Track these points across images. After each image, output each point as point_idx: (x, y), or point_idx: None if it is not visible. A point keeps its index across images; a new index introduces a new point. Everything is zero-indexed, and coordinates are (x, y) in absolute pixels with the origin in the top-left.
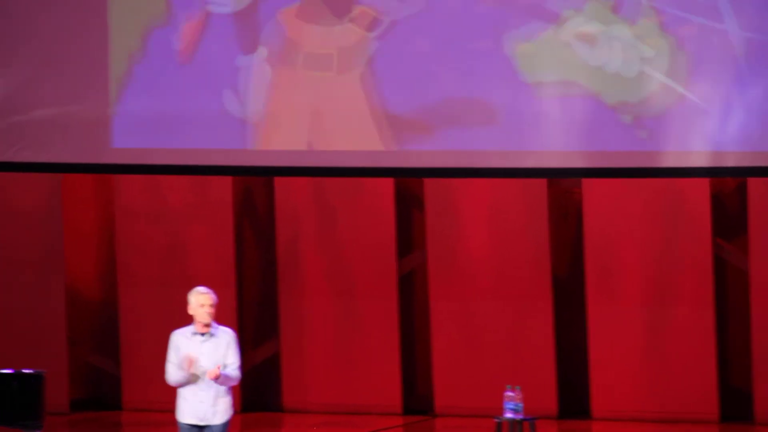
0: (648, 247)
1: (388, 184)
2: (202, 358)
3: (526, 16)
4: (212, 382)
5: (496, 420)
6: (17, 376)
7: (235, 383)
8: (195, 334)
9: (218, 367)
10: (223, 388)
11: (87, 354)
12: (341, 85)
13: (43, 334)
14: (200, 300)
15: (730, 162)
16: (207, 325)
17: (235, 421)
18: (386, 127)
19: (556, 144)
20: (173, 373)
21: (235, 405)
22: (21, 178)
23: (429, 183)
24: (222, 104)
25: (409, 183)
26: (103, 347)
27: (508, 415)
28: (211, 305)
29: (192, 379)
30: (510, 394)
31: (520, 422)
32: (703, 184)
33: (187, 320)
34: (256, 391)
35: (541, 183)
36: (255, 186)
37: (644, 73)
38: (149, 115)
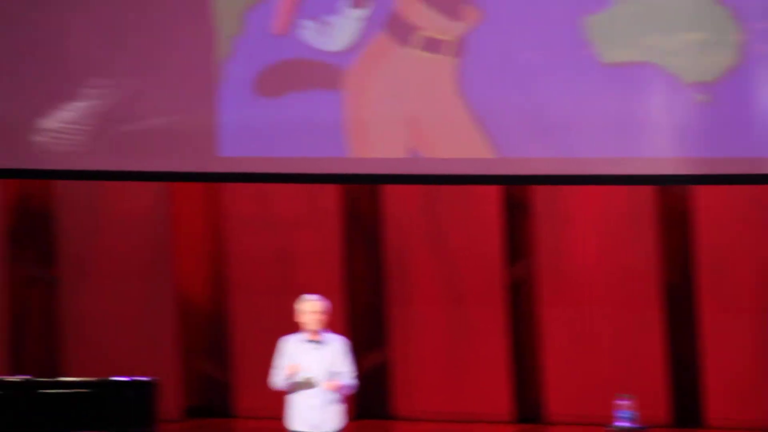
0: (761, 252)
1: (495, 191)
2: (312, 366)
3: None
4: (323, 393)
5: (609, 429)
6: (130, 384)
7: (351, 392)
8: (305, 341)
9: (338, 382)
10: (334, 396)
11: (198, 362)
12: (446, 90)
13: (154, 342)
14: (309, 307)
15: None
16: (317, 333)
17: (346, 429)
18: (493, 133)
19: (665, 150)
20: (279, 377)
21: (345, 412)
22: (130, 186)
23: (537, 190)
24: (327, 112)
25: (516, 190)
26: (214, 355)
27: (622, 423)
28: (321, 312)
29: (299, 387)
30: (623, 402)
31: (632, 431)
32: None
33: (297, 327)
34: (365, 399)
35: (650, 189)
36: (362, 194)
37: None
38: (255, 124)
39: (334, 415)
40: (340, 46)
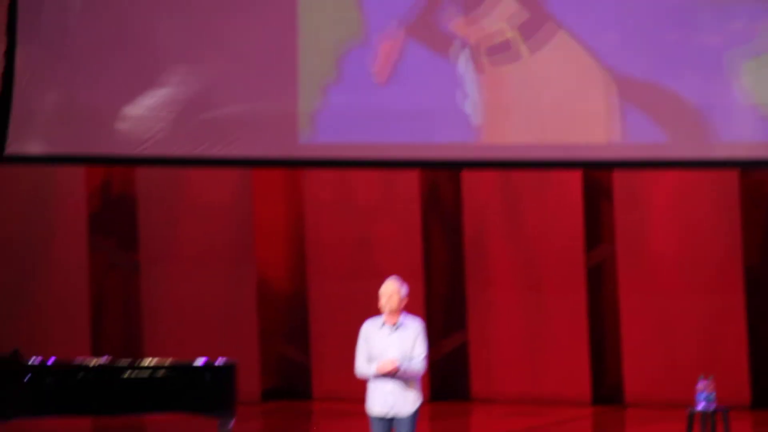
0: None
1: (575, 175)
2: (390, 349)
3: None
4: (398, 376)
5: (689, 411)
6: (210, 367)
7: (417, 375)
8: (384, 325)
9: (393, 362)
10: (411, 379)
11: (278, 345)
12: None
13: (235, 326)
14: (387, 290)
15: None
16: (394, 316)
17: (423, 411)
18: (574, 117)
19: (747, 135)
20: (362, 365)
21: (423, 394)
22: (212, 173)
23: (617, 174)
24: (409, 97)
25: (597, 174)
26: (294, 338)
27: (701, 405)
28: (398, 295)
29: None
30: (702, 384)
31: (713, 413)
32: None
33: (376, 311)
34: (444, 381)
35: (733, 173)
36: (441, 180)
37: None
38: (337, 111)
39: (412, 396)
40: None
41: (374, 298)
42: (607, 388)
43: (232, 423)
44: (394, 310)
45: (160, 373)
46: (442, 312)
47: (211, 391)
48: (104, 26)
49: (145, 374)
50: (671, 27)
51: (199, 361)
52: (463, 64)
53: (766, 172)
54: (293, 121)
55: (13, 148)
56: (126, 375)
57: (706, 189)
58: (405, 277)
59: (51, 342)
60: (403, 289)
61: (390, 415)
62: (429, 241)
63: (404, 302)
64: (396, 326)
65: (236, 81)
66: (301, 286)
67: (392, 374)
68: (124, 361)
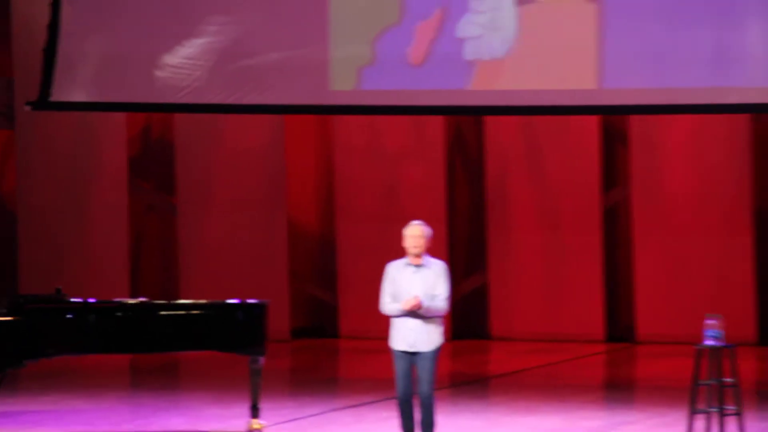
0: None
1: (593, 121)
2: (413, 288)
3: None
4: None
5: (697, 347)
6: (242, 306)
7: (440, 314)
8: (408, 265)
9: (416, 298)
10: (433, 318)
11: (307, 285)
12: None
13: (266, 267)
14: (411, 232)
15: None
16: (418, 257)
17: (445, 348)
18: (596, 65)
19: (760, 80)
20: (386, 303)
21: (445, 333)
22: (247, 119)
23: (633, 119)
24: (436, 45)
25: (613, 120)
26: (322, 279)
27: (709, 342)
28: (422, 237)
29: (404, 312)
30: (711, 322)
31: (720, 349)
32: None
33: (402, 254)
34: (464, 320)
35: (744, 118)
36: (466, 126)
37: None
38: (365, 58)
39: (433, 334)
40: None
41: (400, 240)
42: (619, 327)
43: (262, 360)
44: (419, 251)
45: (195, 312)
46: (464, 253)
47: (243, 329)
48: None
49: (181, 313)
50: None
51: (232, 301)
52: None
53: None
54: (325, 69)
55: (58, 95)
56: (162, 314)
57: (719, 133)
58: (429, 221)
59: (92, 280)
60: (427, 232)
61: (412, 350)
62: (452, 185)
63: (428, 244)
64: (419, 267)
65: (270, 31)
66: (330, 229)
67: (416, 310)
68: (161, 301)
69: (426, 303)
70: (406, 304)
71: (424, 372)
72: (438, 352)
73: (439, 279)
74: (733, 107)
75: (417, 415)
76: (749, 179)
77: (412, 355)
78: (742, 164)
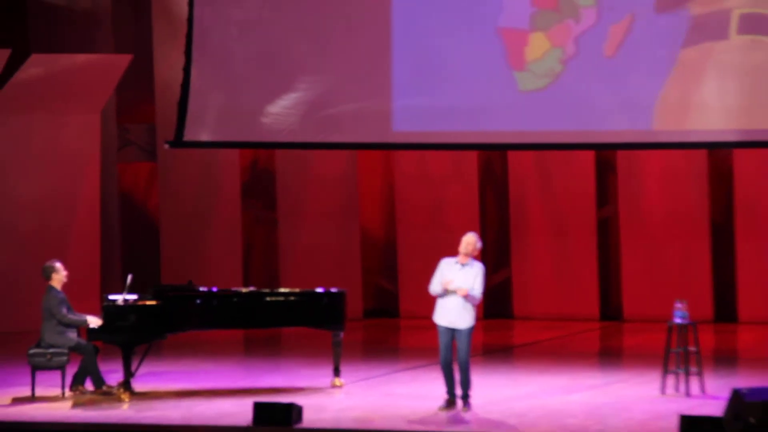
0: None
1: (589, 154)
2: (457, 281)
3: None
4: (460, 301)
5: (669, 324)
6: (326, 294)
7: (477, 302)
8: (456, 263)
9: (463, 290)
10: (467, 302)
11: (375, 278)
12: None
13: (344, 264)
14: (467, 239)
15: None
16: (466, 257)
17: (479, 326)
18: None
19: (713, 124)
20: (435, 285)
21: (478, 315)
22: (329, 153)
23: (620, 153)
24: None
25: (606, 154)
26: (387, 273)
27: (677, 320)
28: (472, 244)
29: (446, 293)
30: (679, 305)
31: (686, 326)
32: None
33: (446, 254)
34: (494, 305)
35: (702, 153)
36: (494, 158)
37: None
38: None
39: (468, 316)
40: None
41: (444, 243)
42: (610, 308)
43: (341, 334)
44: (468, 254)
45: (291, 298)
46: (493, 253)
47: (327, 311)
48: (253, 47)
49: (281, 299)
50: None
51: (319, 290)
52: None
53: (727, 152)
54: (387, 116)
55: (189, 136)
56: (267, 299)
57: (683, 164)
58: (465, 229)
59: (214, 276)
60: (479, 243)
61: (451, 326)
62: (484, 202)
63: (477, 251)
64: (464, 265)
65: (346, 86)
66: (392, 235)
67: (460, 294)
68: (266, 290)
69: (469, 292)
70: (460, 292)
71: (461, 344)
72: (472, 331)
73: (477, 277)
74: (693, 144)
75: (456, 376)
76: (707, 199)
77: (452, 331)
78: (701, 187)
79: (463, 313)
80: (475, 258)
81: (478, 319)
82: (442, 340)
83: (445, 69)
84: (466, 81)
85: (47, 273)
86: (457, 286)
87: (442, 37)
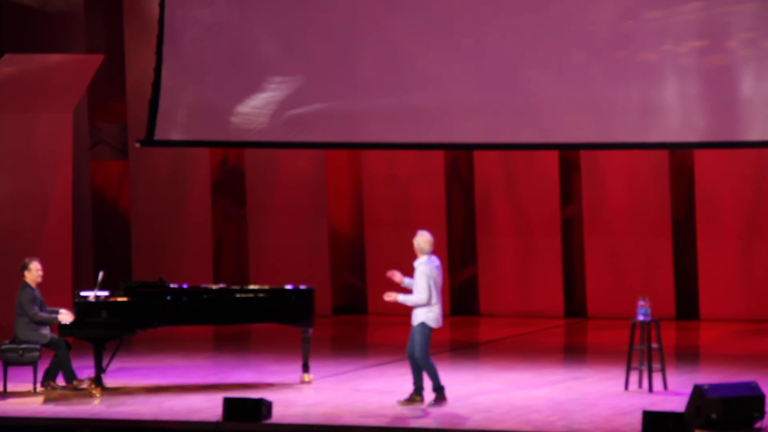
0: (743, 198)
1: (553, 154)
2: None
3: None
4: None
5: (632, 321)
6: (295, 291)
7: (419, 303)
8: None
9: (394, 296)
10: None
11: (344, 275)
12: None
13: (313, 261)
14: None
15: None
16: (417, 258)
17: (445, 323)
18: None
19: (674, 126)
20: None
21: (444, 311)
22: (297, 152)
23: (583, 153)
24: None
25: (569, 154)
26: (355, 270)
27: (641, 317)
28: (416, 246)
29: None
30: (642, 302)
31: (648, 323)
32: None
33: (413, 253)
34: (460, 302)
35: (664, 152)
36: (460, 157)
37: None
38: (386, 108)
39: (418, 312)
40: None
41: (411, 241)
42: (574, 306)
43: (310, 331)
44: (419, 253)
45: (261, 294)
46: (459, 252)
47: (296, 307)
48: (223, 48)
49: (250, 295)
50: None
51: (288, 286)
52: None
53: (688, 151)
54: (355, 115)
55: (160, 135)
56: (237, 296)
57: (645, 163)
58: (432, 227)
59: (185, 272)
60: (422, 239)
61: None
62: (450, 200)
63: (429, 247)
64: (416, 266)
65: (315, 87)
66: (360, 233)
67: (388, 300)
68: (236, 286)
69: (398, 298)
70: (390, 299)
71: (413, 341)
72: (424, 327)
73: (419, 279)
74: (655, 144)
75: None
76: (668, 197)
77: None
78: (663, 187)
79: (415, 311)
80: (433, 253)
81: (444, 316)
82: (411, 336)
83: (413, 70)
84: (433, 82)
85: (23, 268)
86: (392, 298)
87: (410, 38)
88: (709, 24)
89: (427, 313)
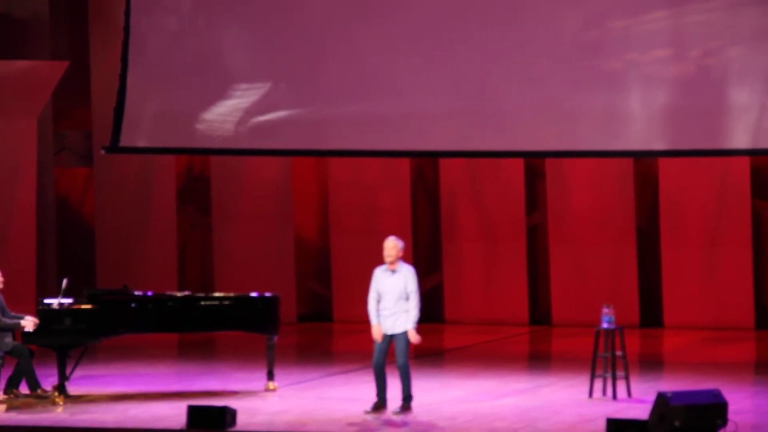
0: (707, 206)
1: (519, 162)
2: (391, 287)
3: None
4: (396, 305)
5: (596, 328)
6: (260, 298)
7: (418, 306)
8: (386, 270)
9: (416, 338)
10: (403, 306)
11: (309, 282)
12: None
13: (278, 269)
14: (386, 245)
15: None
16: (393, 263)
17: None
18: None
19: (638, 134)
20: (370, 302)
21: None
22: (263, 159)
23: (549, 161)
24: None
25: (534, 161)
26: (321, 277)
27: (605, 325)
28: (394, 248)
29: (380, 302)
30: (606, 310)
31: (613, 330)
32: (744, 160)
33: (380, 260)
34: (425, 309)
35: (628, 160)
36: (426, 165)
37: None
38: (352, 115)
39: (404, 318)
40: None
41: (377, 248)
42: (539, 314)
43: (275, 338)
44: (393, 259)
45: (226, 302)
46: (425, 259)
47: (261, 315)
48: (188, 55)
49: (215, 303)
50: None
51: (253, 294)
52: None
53: (653, 159)
54: (321, 123)
55: (125, 142)
56: (202, 303)
57: (610, 171)
58: (398, 234)
59: (150, 280)
60: (399, 244)
61: (389, 332)
62: (416, 207)
63: (400, 252)
64: (395, 271)
65: (280, 94)
66: (326, 240)
67: (415, 342)
68: (201, 294)
69: (416, 338)
70: (415, 341)
71: (399, 348)
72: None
73: (408, 281)
74: (619, 153)
75: (391, 380)
76: (632, 205)
77: (391, 336)
78: (628, 194)
79: (400, 317)
80: (402, 259)
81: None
82: (379, 345)
83: (379, 78)
84: (398, 90)
85: None
86: (416, 338)
87: (376, 46)
88: (674, 33)
89: (407, 322)
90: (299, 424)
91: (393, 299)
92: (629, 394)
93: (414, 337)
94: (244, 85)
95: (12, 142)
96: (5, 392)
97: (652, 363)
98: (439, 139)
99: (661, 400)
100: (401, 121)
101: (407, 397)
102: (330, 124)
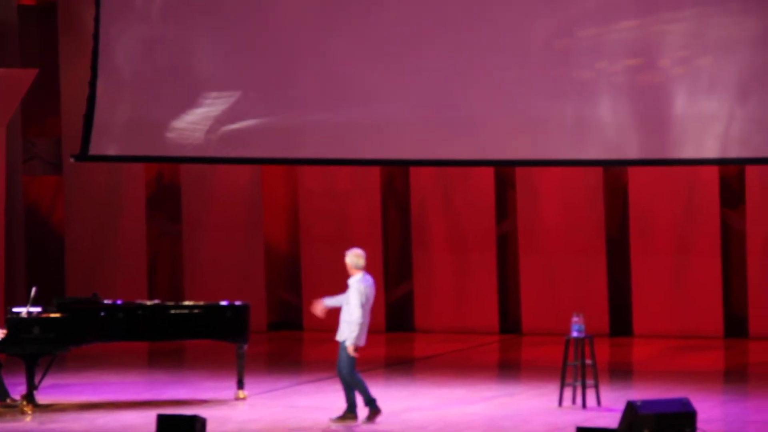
0: (676, 215)
1: (489, 171)
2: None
3: None
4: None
5: (566, 337)
6: (230, 307)
7: (358, 320)
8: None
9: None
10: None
11: (279, 291)
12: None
13: (248, 277)
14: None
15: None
16: (351, 275)
17: (380, 338)
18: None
19: (609, 142)
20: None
21: (380, 327)
22: (233, 167)
23: (518, 170)
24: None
25: (504, 170)
26: (290, 286)
27: (574, 334)
28: (348, 265)
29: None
30: (576, 318)
31: (582, 339)
32: (713, 170)
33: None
34: (395, 318)
35: (598, 169)
36: (396, 173)
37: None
38: (322, 124)
39: (346, 329)
40: None
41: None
42: (509, 322)
43: (245, 347)
44: (352, 271)
45: (196, 311)
46: (395, 268)
47: (231, 324)
48: (158, 62)
49: (185, 311)
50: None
51: (223, 303)
52: None
53: (622, 168)
54: (291, 131)
55: (95, 150)
56: (172, 312)
57: (580, 180)
58: (368, 243)
59: (119, 288)
60: (353, 258)
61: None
62: (386, 217)
63: (353, 263)
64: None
65: (251, 102)
66: (296, 249)
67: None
68: (170, 303)
69: (350, 350)
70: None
71: (340, 358)
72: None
73: (350, 293)
74: (588, 162)
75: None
76: (602, 215)
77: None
78: (597, 203)
79: (344, 327)
80: (365, 270)
81: (380, 331)
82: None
83: (350, 86)
84: (368, 99)
85: None
86: (321, 307)
87: (346, 55)
88: (643, 42)
89: (350, 333)
90: None
91: (344, 308)
92: (599, 402)
93: (348, 349)
94: (214, 94)
95: None
96: None
97: (621, 372)
98: (409, 147)
99: (631, 408)
100: (371, 129)
101: (369, 402)
102: (300, 133)
